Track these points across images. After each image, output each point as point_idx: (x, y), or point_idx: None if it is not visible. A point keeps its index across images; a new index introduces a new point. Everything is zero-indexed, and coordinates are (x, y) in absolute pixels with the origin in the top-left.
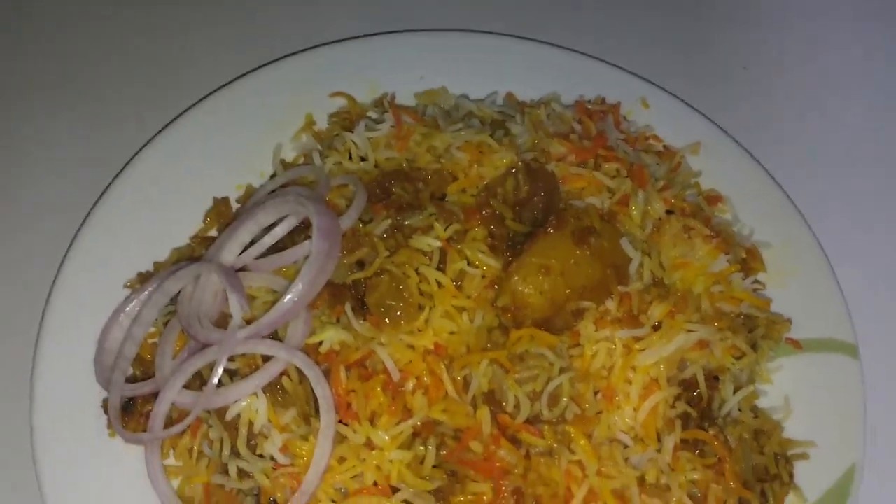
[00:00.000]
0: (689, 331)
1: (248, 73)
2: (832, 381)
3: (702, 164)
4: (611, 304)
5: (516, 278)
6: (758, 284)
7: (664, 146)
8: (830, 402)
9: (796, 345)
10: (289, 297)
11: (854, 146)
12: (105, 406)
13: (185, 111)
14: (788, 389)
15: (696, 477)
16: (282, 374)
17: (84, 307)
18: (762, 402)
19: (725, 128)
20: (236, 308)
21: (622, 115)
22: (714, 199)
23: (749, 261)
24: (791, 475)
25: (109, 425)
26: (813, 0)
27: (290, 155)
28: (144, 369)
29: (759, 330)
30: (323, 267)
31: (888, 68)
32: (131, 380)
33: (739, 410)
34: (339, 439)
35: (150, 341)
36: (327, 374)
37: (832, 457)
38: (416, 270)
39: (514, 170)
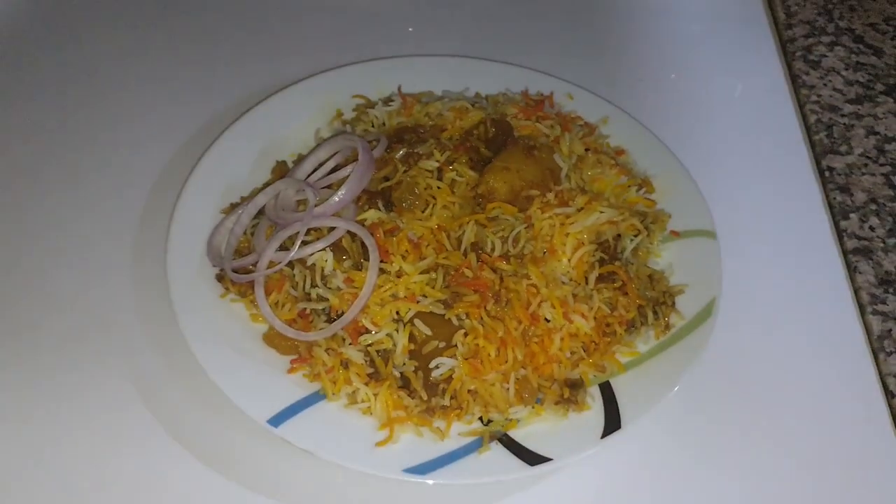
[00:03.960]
0: (602, 212)
1: (303, 78)
2: (700, 253)
3: (610, 132)
4: (550, 197)
5: (488, 175)
6: (647, 195)
7: (584, 122)
8: (698, 265)
9: (676, 234)
10: (345, 187)
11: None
12: (218, 276)
13: (253, 106)
14: (671, 259)
15: (609, 295)
16: (341, 238)
17: (197, 223)
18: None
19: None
20: (311, 196)
21: (555, 102)
22: (619, 151)
23: (643, 185)
24: (673, 302)
25: (224, 286)
26: None
27: (326, 135)
28: (242, 257)
29: (649, 218)
30: (365, 173)
31: None
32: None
33: (635, 261)
34: (380, 273)
35: (241, 245)
36: (371, 234)
37: (700, 293)
38: (424, 180)
39: (483, 121)
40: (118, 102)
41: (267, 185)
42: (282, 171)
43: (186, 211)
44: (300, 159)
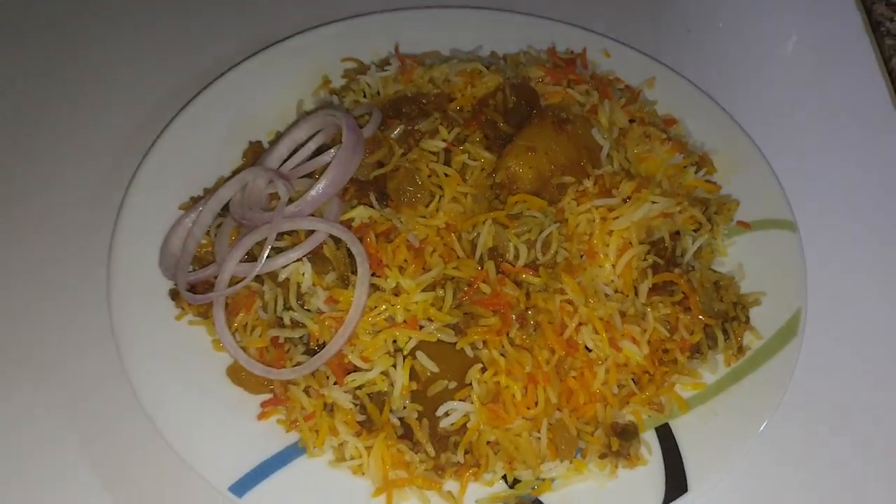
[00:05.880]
0: (654, 202)
1: (274, 43)
2: (777, 250)
3: (657, 97)
4: (588, 184)
5: (509, 158)
6: (708, 177)
7: (625, 85)
8: (776, 264)
9: (746, 225)
10: (326, 178)
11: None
12: (172, 293)
13: (220, 75)
14: (741, 259)
15: (667, 311)
16: (322, 244)
17: (148, 223)
18: (719, 270)
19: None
20: (283, 191)
21: (588, 61)
22: (669, 121)
23: (701, 164)
24: (747, 318)
25: (179, 305)
26: None
27: (310, 108)
28: (202, 266)
29: (712, 207)
30: (352, 156)
31: None
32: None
33: (698, 265)
34: (372, 290)
35: (203, 250)
36: (359, 240)
37: (781, 303)
38: (427, 166)
39: (501, 87)
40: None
41: (236, 173)
42: (255, 153)
43: (136, 209)
44: (276, 139)
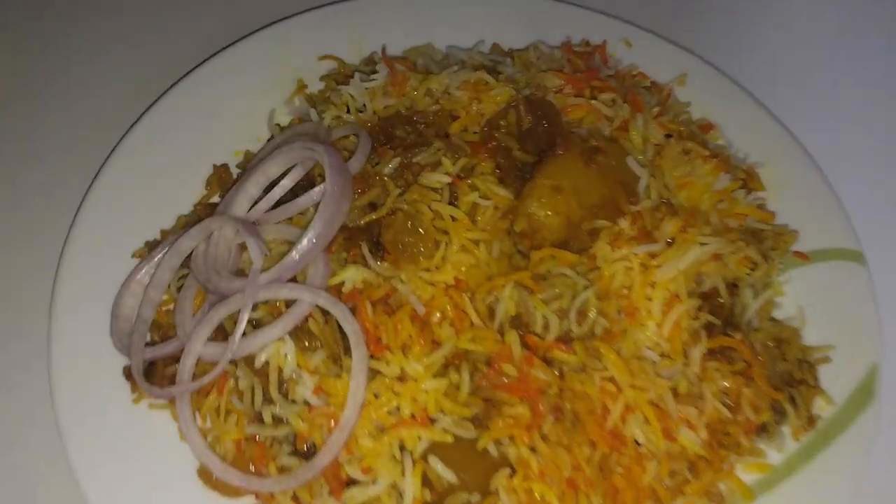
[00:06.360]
0: (703, 244)
1: (232, 43)
2: (842, 288)
3: (689, 96)
4: (624, 224)
5: (530, 201)
6: (760, 200)
7: (651, 82)
8: (843, 307)
9: (803, 256)
10: (309, 236)
11: (830, 53)
12: (127, 372)
13: (173, 84)
14: (801, 300)
15: (726, 384)
16: (307, 317)
17: (94, 280)
18: (776, 315)
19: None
20: (256, 252)
21: (608, 54)
22: (706, 126)
23: (748, 181)
24: (816, 379)
25: (134, 389)
26: None
27: (284, 120)
28: (162, 334)
29: (767, 242)
30: (339, 204)
31: None
32: (150, 345)
33: (757, 318)
34: (372, 375)
35: (164, 309)
36: (353, 311)
37: (852, 359)
38: (429, 207)
39: (514, 103)
40: None
41: (201, 207)
42: (221, 181)
43: (80, 257)
44: (247, 164)
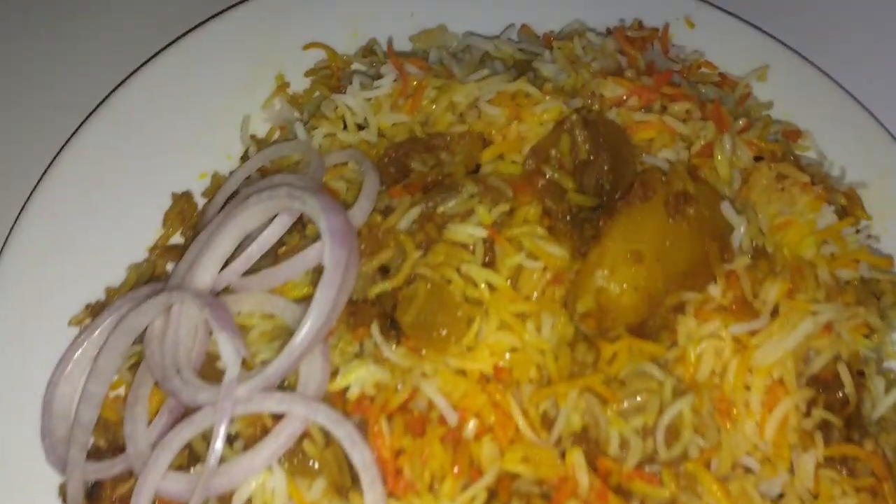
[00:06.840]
0: (815, 312)
1: (195, 27)
2: None
3: (768, 92)
4: (715, 291)
5: (600, 272)
6: (871, 239)
7: (719, 74)
8: None
9: None
10: (304, 331)
11: None
12: (63, 493)
13: (123, 81)
14: None
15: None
16: (302, 435)
17: (18, 358)
18: None
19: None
20: (229, 354)
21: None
22: (793, 134)
23: (848, 207)
24: None
25: None
26: None
27: (261, 128)
28: (111, 436)
29: (886, 297)
30: (343, 283)
31: None
32: (94, 454)
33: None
34: None
35: (113, 394)
36: (363, 427)
37: None
38: (459, 271)
39: (566, 124)
40: None
41: (142, 280)
42: (183, 215)
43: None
44: (214, 191)
